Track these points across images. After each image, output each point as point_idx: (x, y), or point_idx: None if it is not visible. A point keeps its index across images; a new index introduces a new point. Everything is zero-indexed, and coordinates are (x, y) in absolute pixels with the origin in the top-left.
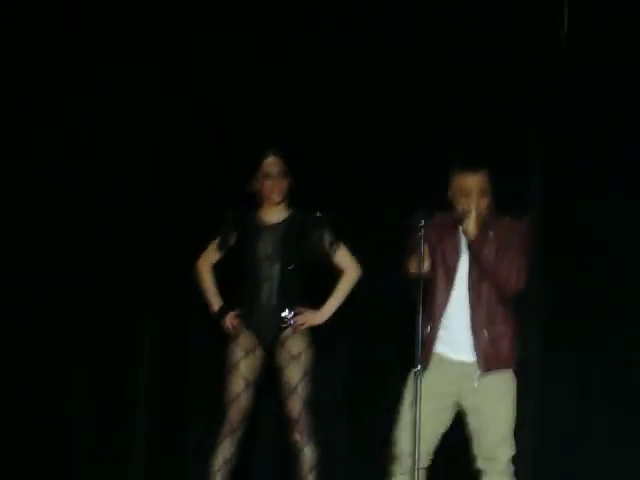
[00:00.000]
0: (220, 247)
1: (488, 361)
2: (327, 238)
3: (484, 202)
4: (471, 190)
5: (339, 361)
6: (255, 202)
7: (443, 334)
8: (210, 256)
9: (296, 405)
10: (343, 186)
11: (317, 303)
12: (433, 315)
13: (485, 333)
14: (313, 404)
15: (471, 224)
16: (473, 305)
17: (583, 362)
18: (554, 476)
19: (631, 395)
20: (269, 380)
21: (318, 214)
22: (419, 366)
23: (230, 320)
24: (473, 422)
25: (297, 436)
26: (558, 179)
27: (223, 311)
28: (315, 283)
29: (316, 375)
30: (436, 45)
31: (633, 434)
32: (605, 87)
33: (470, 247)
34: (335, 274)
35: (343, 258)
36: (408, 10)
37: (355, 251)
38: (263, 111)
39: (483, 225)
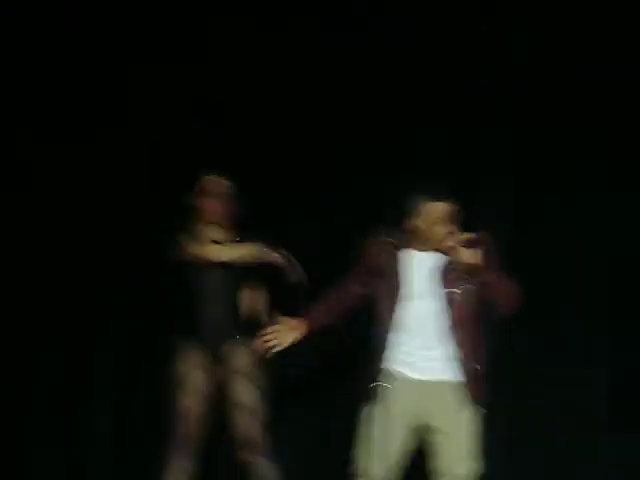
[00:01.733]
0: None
1: (455, 388)
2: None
3: (449, 229)
4: (445, 218)
5: (296, 379)
6: (193, 224)
7: (407, 353)
8: None
9: (249, 424)
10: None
11: None
12: (396, 334)
13: (450, 357)
14: (268, 422)
15: (461, 251)
16: (439, 329)
17: (551, 379)
18: None
19: (599, 411)
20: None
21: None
22: (383, 385)
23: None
24: (435, 440)
25: (250, 457)
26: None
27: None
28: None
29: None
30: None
31: (596, 449)
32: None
33: (468, 272)
34: None
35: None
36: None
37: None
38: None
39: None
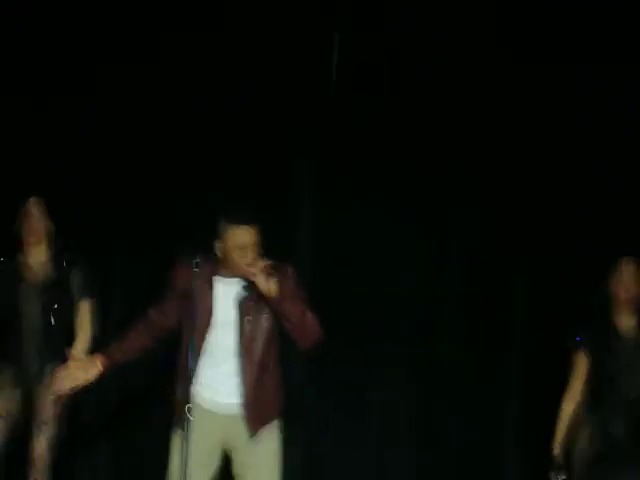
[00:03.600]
0: None
1: (255, 419)
2: (79, 287)
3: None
4: (247, 245)
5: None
6: (18, 246)
7: (206, 385)
8: None
9: (41, 447)
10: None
11: None
12: (201, 361)
13: (252, 387)
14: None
15: (262, 279)
16: (242, 358)
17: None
18: None
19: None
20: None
21: (70, 257)
22: (186, 415)
23: None
24: (239, 471)
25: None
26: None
27: None
28: None
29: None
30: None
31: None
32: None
33: (268, 302)
34: None
35: (83, 316)
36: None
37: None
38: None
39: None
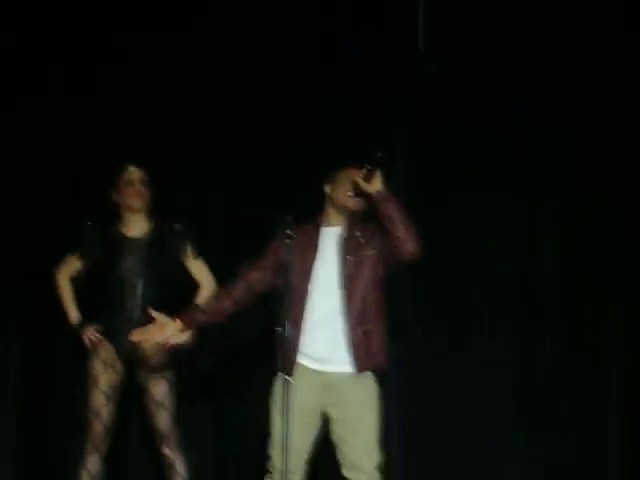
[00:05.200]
0: (81, 258)
1: (360, 363)
2: (187, 250)
3: None
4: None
5: (205, 372)
6: (115, 215)
7: (306, 344)
8: (69, 267)
9: (164, 419)
10: (201, 196)
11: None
12: (296, 325)
13: (357, 335)
14: (180, 418)
15: (364, 182)
16: (345, 308)
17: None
18: None
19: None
20: (133, 395)
21: (178, 226)
22: (286, 376)
23: (89, 334)
24: (338, 431)
25: (167, 450)
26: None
27: (81, 324)
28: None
29: (182, 389)
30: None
31: (498, 437)
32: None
33: (376, 203)
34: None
35: (201, 270)
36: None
37: (220, 258)
38: (118, 124)
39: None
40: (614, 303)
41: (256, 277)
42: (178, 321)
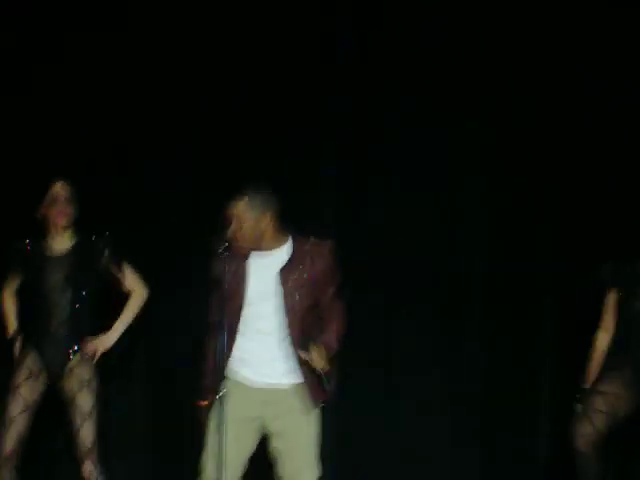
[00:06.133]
0: (15, 275)
1: (296, 384)
2: (113, 259)
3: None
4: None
5: (142, 390)
6: (42, 230)
7: (244, 359)
8: (11, 283)
9: (90, 431)
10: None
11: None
12: (232, 340)
13: (297, 358)
14: (105, 433)
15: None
16: (282, 329)
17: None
18: None
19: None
20: (52, 408)
21: (100, 238)
22: (223, 390)
23: (17, 348)
24: (277, 446)
25: (90, 465)
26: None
27: (15, 335)
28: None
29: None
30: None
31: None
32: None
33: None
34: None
35: (130, 279)
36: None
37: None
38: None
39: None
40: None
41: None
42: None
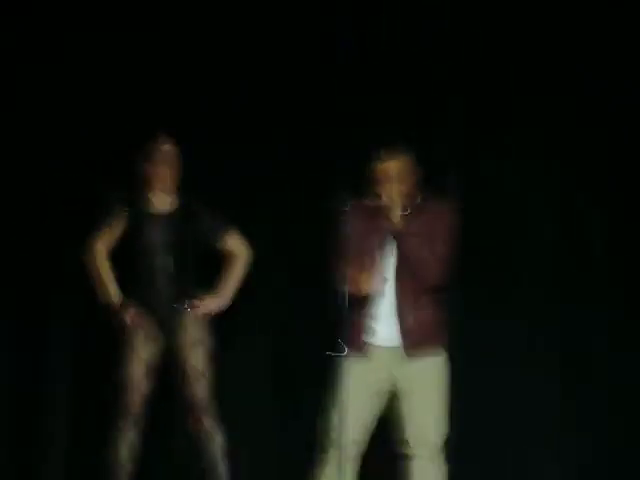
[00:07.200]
0: (111, 231)
1: (414, 344)
2: (217, 222)
3: (405, 188)
4: (391, 176)
5: (264, 352)
6: (141, 186)
7: (371, 321)
8: (106, 240)
9: (203, 390)
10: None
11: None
12: (360, 303)
13: (411, 319)
14: (217, 389)
15: (395, 214)
16: (398, 293)
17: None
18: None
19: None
20: (169, 366)
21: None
22: (348, 354)
23: (131, 316)
24: (404, 406)
25: (206, 422)
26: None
27: (122, 303)
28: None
29: (240, 367)
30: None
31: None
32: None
33: (395, 237)
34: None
35: (234, 242)
36: None
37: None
38: (152, 95)
39: (408, 214)
40: None
41: None
42: None
